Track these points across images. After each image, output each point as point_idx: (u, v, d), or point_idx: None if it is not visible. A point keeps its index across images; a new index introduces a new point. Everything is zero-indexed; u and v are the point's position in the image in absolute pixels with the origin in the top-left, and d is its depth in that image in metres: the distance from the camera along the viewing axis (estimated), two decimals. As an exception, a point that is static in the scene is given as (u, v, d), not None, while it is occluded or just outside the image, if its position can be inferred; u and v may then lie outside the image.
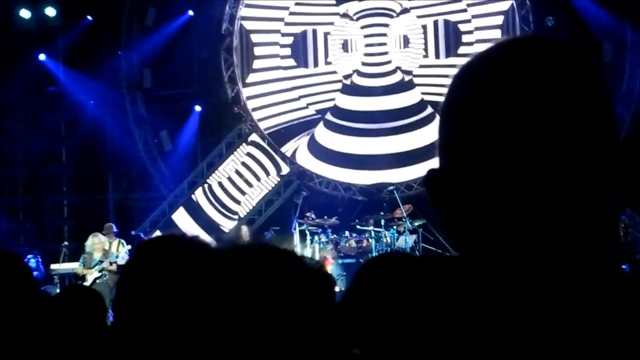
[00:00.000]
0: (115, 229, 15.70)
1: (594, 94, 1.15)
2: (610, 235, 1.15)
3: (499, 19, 19.38)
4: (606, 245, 1.14)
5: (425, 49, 19.80)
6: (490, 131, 1.13)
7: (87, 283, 14.11)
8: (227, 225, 19.45)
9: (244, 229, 17.39)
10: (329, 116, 19.93)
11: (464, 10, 19.54)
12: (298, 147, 19.90)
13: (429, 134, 18.63)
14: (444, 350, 1.19)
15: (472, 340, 1.15)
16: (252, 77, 19.97)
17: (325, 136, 19.94)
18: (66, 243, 17.51)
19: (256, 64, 20.00)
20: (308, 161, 19.84)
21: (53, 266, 16.91)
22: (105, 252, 14.69)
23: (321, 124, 19.94)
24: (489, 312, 1.14)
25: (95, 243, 14.79)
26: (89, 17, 19.33)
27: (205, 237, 18.01)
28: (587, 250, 1.11)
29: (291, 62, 20.02)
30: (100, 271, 14.44)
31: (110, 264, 14.38)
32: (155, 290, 2.43)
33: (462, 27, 19.53)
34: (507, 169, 1.12)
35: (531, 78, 1.13)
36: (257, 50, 20.02)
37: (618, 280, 1.15)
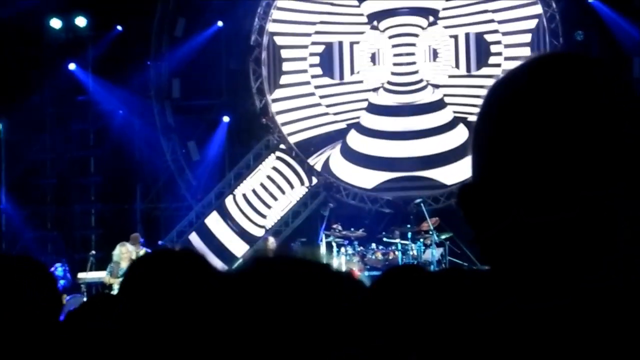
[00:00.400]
0: (141, 239, 15.77)
1: (619, 106, 1.16)
2: (626, 240, 1.15)
3: (530, 27, 19.31)
4: (621, 250, 1.14)
5: (454, 61, 19.75)
6: (520, 145, 1.15)
7: (114, 292, 14.15)
8: (256, 233, 19.49)
9: (271, 240, 17.41)
10: (358, 127, 19.94)
11: (492, 21, 19.49)
12: (330, 155, 19.89)
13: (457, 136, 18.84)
14: (452, 352, 1.19)
15: (481, 344, 1.16)
16: (279, 93, 20.00)
17: (356, 140, 19.94)
18: (94, 252, 17.56)
19: (283, 80, 20.03)
20: (340, 165, 19.82)
21: (80, 275, 16.99)
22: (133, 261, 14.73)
23: (353, 130, 19.93)
24: (502, 318, 1.15)
25: (123, 252, 14.86)
26: (119, 27, 19.45)
27: (233, 248, 18.17)
28: (601, 255, 1.13)
29: (319, 72, 20.02)
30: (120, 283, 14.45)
31: (137, 273, 14.39)
32: (151, 304, 2.44)
33: (490, 38, 19.47)
34: (535, 181, 1.14)
35: (560, 93, 1.15)
36: (285, 66, 20.05)
37: (632, 285, 1.15)
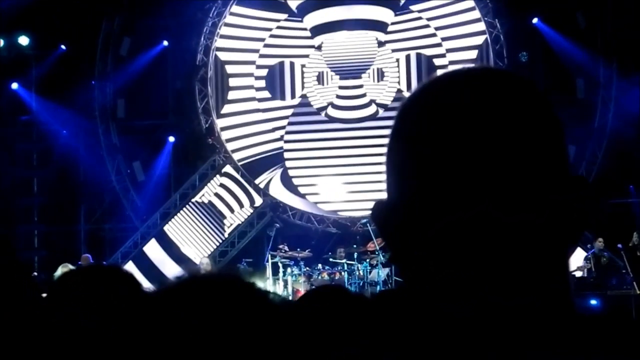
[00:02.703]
0: (91, 260, 15.59)
1: (522, 121, 1.15)
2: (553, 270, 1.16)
3: (474, 54, 19.50)
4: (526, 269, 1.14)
5: (400, 82, 19.85)
6: (426, 162, 1.15)
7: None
8: (199, 257, 19.35)
9: (204, 261, 17.30)
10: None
11: (439, 45, 19.64)
12: (272, 178, 19.86)
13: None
14: None
15: None
16: (226, 108, 19.97)
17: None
18: (35, 274, 17.32)
19: (231, 95, 20.00)
20: (281, 194, 19.80)
21: (22, 297, 16.69)
22: (75, 283, 14.54)
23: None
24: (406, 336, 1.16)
25: (65, 274, 14.65)
26: (63, 47, 19.25)
27: (176, 268, 18.06)
28: (510, 272, 1.13)
29: (266, 93, 20.03)
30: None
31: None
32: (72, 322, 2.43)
33: (437, 62, 19.60)
34: (443, 197, 1.13)
35: (464, 108, 1.15)
36: (232, 82, 20.02)
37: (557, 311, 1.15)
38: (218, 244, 19.56)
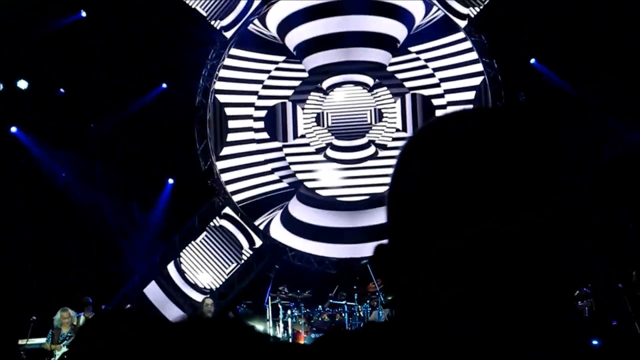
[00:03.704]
0: (90, 302, 15.56)
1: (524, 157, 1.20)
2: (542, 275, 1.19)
3: (471, 94, 19.58)
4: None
5: (399, 123, 19.90)
6: (416, 206, 1.21)
7: (56, 359, 13.92)
8: (199, 298, 19.29)
9: (208, 302, 17.23)
10: (302, 189, 19.94)
11: (437, 85, 19.73)
12: (272, 220, 19.87)
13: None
14: None
15: None
16: (225, 150, 19.99)
17: (298, 209, 19.92)
18: (34, 317, 17.24)
19: (230, 137, 20.03)
20: (281, 235, 19.79)
21: (21, 341, 16.62)
22: (74, 327, 14.49)
23: (295, 198, 19.94)
24: None
25: (64, 317, 14.60)
26: (62, 90, 19.28)
27: (177, 311, 18.01)
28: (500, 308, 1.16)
29: (265, 135, 20.06)
30: (68, 346, 14.22)
31: (79, 339, 14.13)
32: None
33: (436, 102, 19.68)
34: (450, 219, 1.17)
35: (467, 141, 1.20)
36: (231, 124, 20.07)
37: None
38: (218, 285, 19.52)
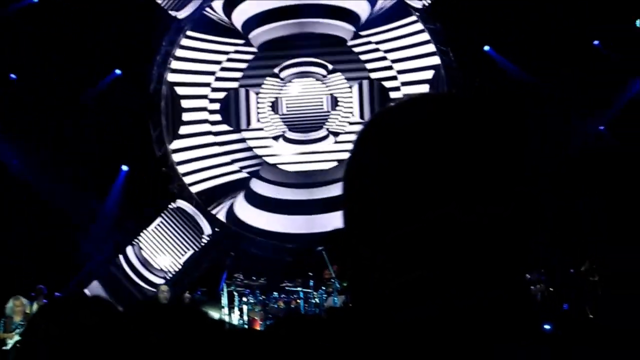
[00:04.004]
0: (45, 291, 15.41)
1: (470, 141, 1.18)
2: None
3: (427, 77, 19.67)
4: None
5: (354, 109, 19.91)
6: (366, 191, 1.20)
7: (8, 347, 13.79)
8: (157, 284, 19.25)
9: (163, 288, 17.16)
10: (262, 172, 19.95)
11: (389, 68, 19.76)
12: (234, 202, 19.82)
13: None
14: None
15: None
16: (178, 144, 19.89)
17: (259, 186, 19.94)
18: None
19: (183, 130, 19.94)
20: (244, 210, 19.77)
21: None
22: (27, 315, 14.34)
23: (254, 179, 19.94)
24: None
25: (16, 306, 14.45)
26: (13, 75, 19.06)
27: (134, 296, 17.93)
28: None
29: (219, 121, 19.97)
30: (21, 335, 14.07)
31: (32, 327, 13.98)
32: (56, 351, 2.41)
33: (389, 84, 19.72)
34: (408, 204, 1.16)
35: (425, 124, 1.19)
36: (185, 116, 19.97)
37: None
38: (174, 272, 19.46)
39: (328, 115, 19.88)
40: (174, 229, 19.65)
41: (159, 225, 19.66)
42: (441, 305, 1.15)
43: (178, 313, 1.78)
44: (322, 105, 19.96)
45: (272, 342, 1.28)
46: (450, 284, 1.15)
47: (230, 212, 19.86)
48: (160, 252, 19.53)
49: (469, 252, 1.14)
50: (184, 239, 19.65)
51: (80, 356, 2.25)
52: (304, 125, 19.91)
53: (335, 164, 19.53)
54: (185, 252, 19.57)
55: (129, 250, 19.48)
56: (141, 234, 19.59)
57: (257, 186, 19.96)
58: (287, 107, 19.99)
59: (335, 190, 19.21)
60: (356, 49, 20.00)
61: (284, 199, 19.81)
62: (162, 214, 19.68)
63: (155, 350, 1.67)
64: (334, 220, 18.88)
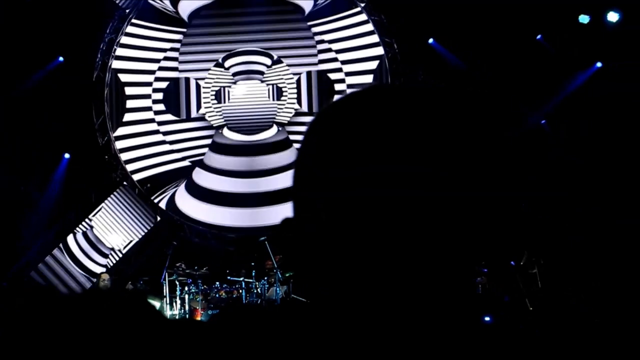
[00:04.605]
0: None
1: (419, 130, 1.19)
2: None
3: (372, 68, 19.74)
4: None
5: (299, 100, 19.93)
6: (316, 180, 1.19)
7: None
8: (97, 272, 19.10)
9: (104, 277, 17.04)
10: (205, 159, 19.89)
11: (335, 60, 19.80)
12: (176, 191, 19.75)
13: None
14: None
15: None
16: (122, 130, 19.76)
17: (201, 176, 19.88)
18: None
19: (127, 117, 19.80)
20: (185, 201, 19.72)
21: None
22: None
23: (197, 167, 19.87)
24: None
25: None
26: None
27: (75, 286, 17.78)
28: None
29: (163, 109, 19.88)
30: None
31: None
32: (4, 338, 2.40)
33: (333, 76, 19.76)
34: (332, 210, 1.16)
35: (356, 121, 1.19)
36: (129, 103, 19.83)
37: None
38: (115, 261, 19.33)
39: (274, 117, 19.89)
40: (116, 217, 19.50)
41: (100, 213, 19.50)
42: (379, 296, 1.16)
43: (120, 301, 1.78)
44: (267, 108, 19.94)
45: (216, 332, 1.28)
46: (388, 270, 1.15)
47: (171, 202, 19.79)
48: (100, 241, 19.39)
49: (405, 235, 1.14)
50: (126, 227, 19.52)
51: (24, 345, 2.24)
52: (249, 128, 19.91)
53: (280, 157, 19.57)
54: (127, 242, 19.45)
55: (70, 239, 19.29)
56: (83, 222, 19.40)
57: (199, 177, 19.89)
58: (231, 107, 19.95)
59: (280, 181, 19.23)
60: (301, 41, 20.01)
61: (226, 191, 19.76)
62: (105, 203, 19.52)
63: (95, 338, 1.67)
64: (278, 214, 18.91)
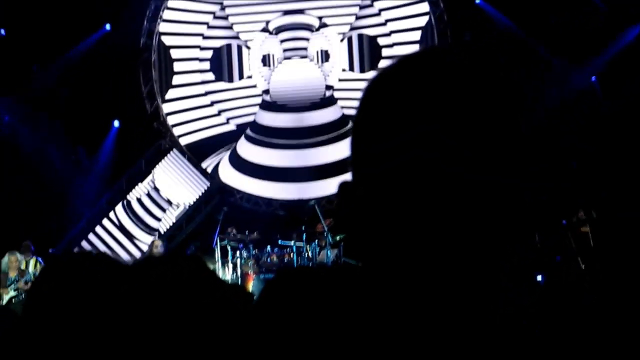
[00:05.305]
0: (32, 247, 15.36)
1: (487, 96, 1.16)
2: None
3: (417, 34, 19.61)
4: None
5: (347, 63, 19.88)
6: (381, 141, 1.16)
7: (3, 302, 13.82)
8: (147, 241, 19.25)
9: (157, 243, 17.17)
10: (249, 131, 19.89)
11: (383, 24, 19.71)
12: (220, 161, 19.81)
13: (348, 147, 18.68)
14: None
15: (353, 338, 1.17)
16: (171, 93, 19.84)
17: (246, 149, 19.90)
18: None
19: (176, 80, 19.87)
20: (230, 175, 19.78)
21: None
22: (21, 271, 14.36)
23: (243, 138, 19.89)
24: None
25: (12, 261, 14.46)
26: (2, 31, 18.92)
27: (125, 254, 17.94)
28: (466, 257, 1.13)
29: (211, 76, 19.93)
30: (15, 290, 14.11)
31: (26, 283, 14.05)
32: (65, 307, 2.38)
33: (382, 41, 19.68)
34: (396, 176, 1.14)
35: (426, 88, 1.15)
36: (177, 66, 19.89)
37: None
38: (167, 227, 19.47)
39: (322, 95, 19.88)
40: (166, 184, 19.62)
41: (151, 180, 19.63)
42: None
43: (181, 264, 1.78)
44: (317, 89, 19.92)
45: (272, 296, 1.28)
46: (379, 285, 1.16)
47: (215, 173, 19.88)
48: (153, 209, 19.52)
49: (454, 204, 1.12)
50: (176, 194, 19.63)
51: (88, 314, 2.25)
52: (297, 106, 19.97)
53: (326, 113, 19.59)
54: (179, 208, 19.57)
55: (120, 207, 19.45)
56: (133, 190, 19.55)
57: (244, 149, 19.92)
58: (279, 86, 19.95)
59: (330, 154, 19.22)
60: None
61: (274, 166, 19.79)
62: (154, 170, 19.64)
63: (159, 302, 1.67)
64: (328, 187, 18.90)
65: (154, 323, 1.63)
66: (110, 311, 1.71)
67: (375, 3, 19.72)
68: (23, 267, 14.52)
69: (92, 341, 2.01)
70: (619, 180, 16.68)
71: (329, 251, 16.25)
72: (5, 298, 14.09)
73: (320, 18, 19.85)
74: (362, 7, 19.82)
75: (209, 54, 19.92)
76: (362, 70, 19.77)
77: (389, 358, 1.14)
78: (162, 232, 19.31)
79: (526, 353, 1.21)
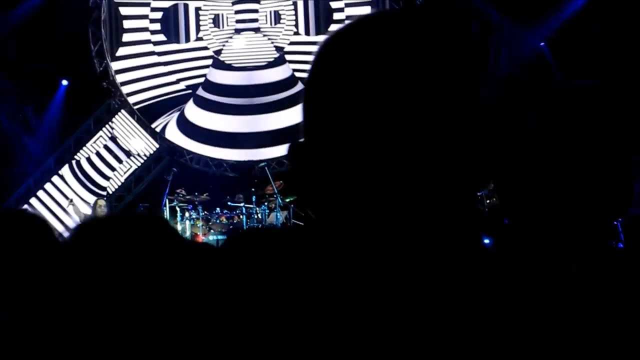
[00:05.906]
0: (-22, 207, 15.22)
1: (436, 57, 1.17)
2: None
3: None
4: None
5: (296, 26, 19.79)
6: (330, 99, 1.19)
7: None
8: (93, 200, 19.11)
9: (101, 202, 17.06)
10: (200, 92, 19.76)
11: (335, -13, 19.65)
12: (168, 123, 19.69)
13: (299, 112, 18.60)
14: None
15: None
16: (121, 51, 19.61)
17: (194, 113, 19.78)
18: None
19: (125, 37, 19.64)
20: (177, 138, 19.66)
21: None
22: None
23: (191, 101, 19.76)
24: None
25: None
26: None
27: (73, 213, 17.75)
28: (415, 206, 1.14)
29: (161, 37, 19.73)
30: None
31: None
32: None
33: (333, 5, 19.60)
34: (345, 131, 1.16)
35: (374, 49, 1.17)
36: (126, 24, 19.65)
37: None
38: (115, 187, 19.34)
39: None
40: (114, 144, 19.46)
41: (99, 140, 19.46)
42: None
43: (143, 225, 1.78)
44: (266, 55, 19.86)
45: (229, 255, 1.29)
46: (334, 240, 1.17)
47: (163, 134, 19.76)
48: (100, 168, 19.37)
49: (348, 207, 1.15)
50: (124, 154, 19.49)
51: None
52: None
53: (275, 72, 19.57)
54: (127, 168, 19.44)
55: (67, 166, 19.27)
56: (82, 149, 19.37)
57: (192, 113, 19.80)
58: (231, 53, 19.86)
59: (279, 120, 19.15)
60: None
61: (223, 131, 19.70)
62: (103, 130, 19.47)
63: (123, 262, 1.67)
64: (278, 151, 18.85)
65: (131, 284, 1.64)
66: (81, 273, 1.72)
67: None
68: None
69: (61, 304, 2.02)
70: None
71: (278, 213, 16.29)
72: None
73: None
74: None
75: (159, 14, 19.70)
76: (311, 33, 19.69)
77: (346, 313, 1.15)
78: (111, 192, 19.17)
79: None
